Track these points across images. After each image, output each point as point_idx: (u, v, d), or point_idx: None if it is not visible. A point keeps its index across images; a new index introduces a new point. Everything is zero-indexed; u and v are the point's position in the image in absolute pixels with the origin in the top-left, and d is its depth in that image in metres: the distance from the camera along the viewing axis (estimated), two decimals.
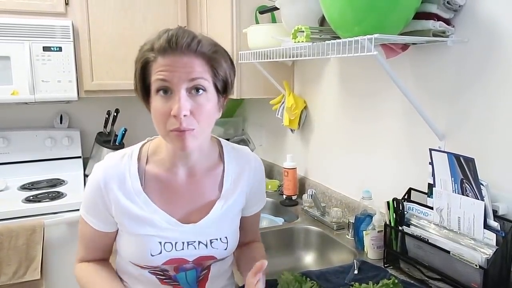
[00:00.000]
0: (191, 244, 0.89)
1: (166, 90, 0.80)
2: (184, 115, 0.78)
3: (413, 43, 1.19)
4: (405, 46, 1.21)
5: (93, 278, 0.93)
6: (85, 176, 2.22)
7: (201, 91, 0.81)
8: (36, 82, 1.93)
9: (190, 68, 0.79)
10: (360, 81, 1.52)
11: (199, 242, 0.90)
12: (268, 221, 1.74)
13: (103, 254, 0.97)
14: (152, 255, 0.86)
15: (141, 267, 0.89)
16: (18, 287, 1.68)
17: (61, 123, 2.33)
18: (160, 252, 0.87)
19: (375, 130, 1.46)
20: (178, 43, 0.79)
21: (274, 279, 1.08)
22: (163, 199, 0.90)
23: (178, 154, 0.90)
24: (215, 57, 0.83)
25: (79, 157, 2.31)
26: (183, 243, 0.88)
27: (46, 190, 1.96)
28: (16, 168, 2.17)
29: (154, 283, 0.91)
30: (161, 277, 0.91)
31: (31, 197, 1.85)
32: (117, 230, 0.93)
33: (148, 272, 0.90)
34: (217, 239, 0.91)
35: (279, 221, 1.69)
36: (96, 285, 0.91)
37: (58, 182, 2.11)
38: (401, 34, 1.07)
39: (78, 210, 1.76)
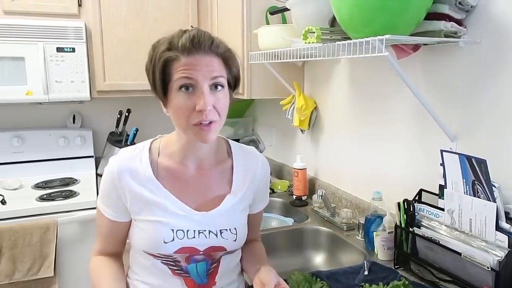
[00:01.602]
0: (202, 232, 0.93)
1: (188, 87, 0.85)
2: (209, 109, 0.85)
3: (425, 44, 1.19)
4: (416, 47, 1.20)
5: (101, 272, 0.97)
6: (97, 175, 2.25)
7: (219, 87, 0.88)
8: (50, 82, 1.96)
9: (212, 66, 0.86)
10: (370, 82, 1.52)
11: (210, 232, 0.93)
12: (277, 221, 1.74)
13: (116, 246, 1.01)
14: (165, 242, 0.90)
15: (154, 256, 0.92)
16: (32, 284, 1.71)
17: (74, 123, 2.37)
18: (173, 239, 0.90)
19: (386, 131, 1.46)
20: (200, 44, 0.85)
21: (284, 279, 1.08)
22: (175, 188, 0.94)
23: (189, 148, 0.95)
24: (230, 56, 0.91)
25: (91, 156, 2.34)
26: (194, 231, 0.92)
27: (59, 189, 2.00)
28: (30, 167, 2.21)
29: (165, 274, 0.94)
30: (172, 267, 0.94)
31: (45, 196, 1.88)
32: (130, 221, 0.97)
33: (160, 262, 0.93)
34: (226, 230, 0.95)
35: (289, 221, 1.69)
36: (102, 280, 0.95)
37: (70, 181, 2.14)
38: (413, 35, 1.07)
39: (90, 208, 1.83)
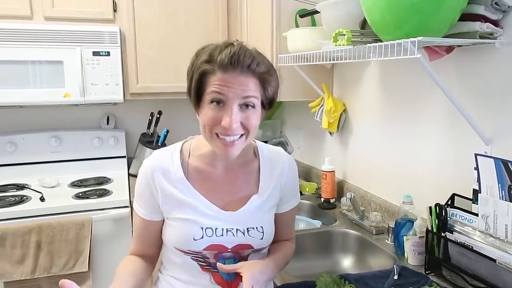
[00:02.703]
0: (229, 231, 0.96)
1: (219, 102, 0.87)
2: (234, 127, 0.87)
3: (458, 45, 1.16)
4: (449, 48, 1.18)
5: (121, 269, 0.97)
6: (129, 175, 2.32)
7: (250, 107, 0.89)
8: (86, 85, 2.04)
9: (246, 86, 0.87)
10: (401, 84, 1.50)
11: (237, 230, 0.97)
12: (305, 224, 1.75)
13: (149, 248, 1.04)
14: (195, 239, 0.94)
15: (185, 252, 0.96)
16: (68, 278, 1.78)
17: (107, 124, 2.45)
18: (202, 237, 0.94)
19: (417, 134, 1.43)
20: (239, 62, 0.85)
21: (312, 280, 1.09)
22: (204, 188, 0.98)
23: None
24: (267, 78, 0.91)
25: (124, 156, 2.41)
26: (222, 229, 0.96)
27: (93, 188, 2.07)
28: (67, 166, 2.30)
29: (195, 270, 0.98)
30: (202, 263, 0.97)
31: (80, 194, 1.96)
32: (162, 221, 1.01)
33: (190, 258, 0.97)
34: (253, 228, 0.98)
35: (317, 223, 1.69)
36: (117, 276, 0.94)
37: (104, 180, 2.22)
38: (446, 36, 1.05)
39: (123, 207, 1.88)
